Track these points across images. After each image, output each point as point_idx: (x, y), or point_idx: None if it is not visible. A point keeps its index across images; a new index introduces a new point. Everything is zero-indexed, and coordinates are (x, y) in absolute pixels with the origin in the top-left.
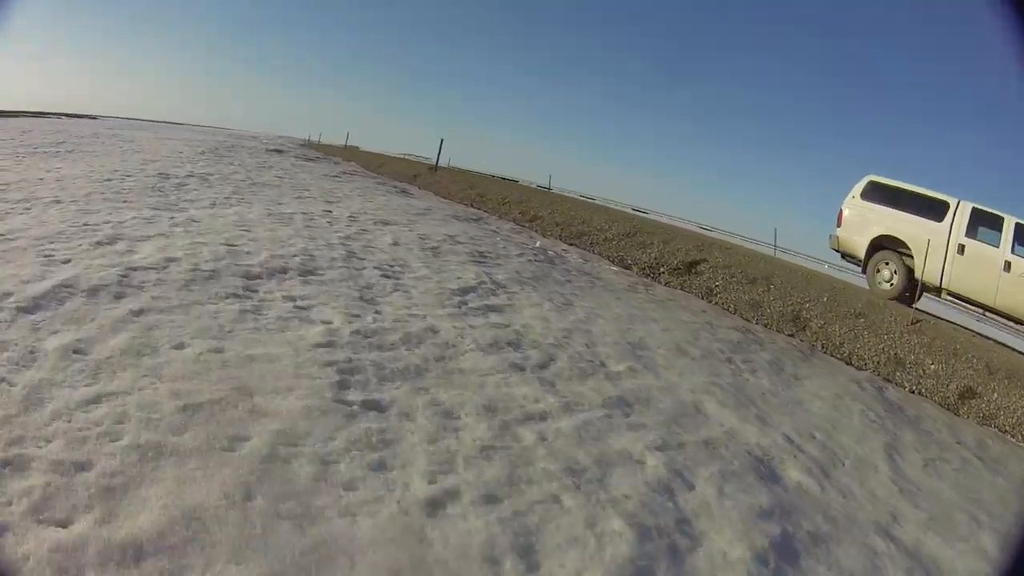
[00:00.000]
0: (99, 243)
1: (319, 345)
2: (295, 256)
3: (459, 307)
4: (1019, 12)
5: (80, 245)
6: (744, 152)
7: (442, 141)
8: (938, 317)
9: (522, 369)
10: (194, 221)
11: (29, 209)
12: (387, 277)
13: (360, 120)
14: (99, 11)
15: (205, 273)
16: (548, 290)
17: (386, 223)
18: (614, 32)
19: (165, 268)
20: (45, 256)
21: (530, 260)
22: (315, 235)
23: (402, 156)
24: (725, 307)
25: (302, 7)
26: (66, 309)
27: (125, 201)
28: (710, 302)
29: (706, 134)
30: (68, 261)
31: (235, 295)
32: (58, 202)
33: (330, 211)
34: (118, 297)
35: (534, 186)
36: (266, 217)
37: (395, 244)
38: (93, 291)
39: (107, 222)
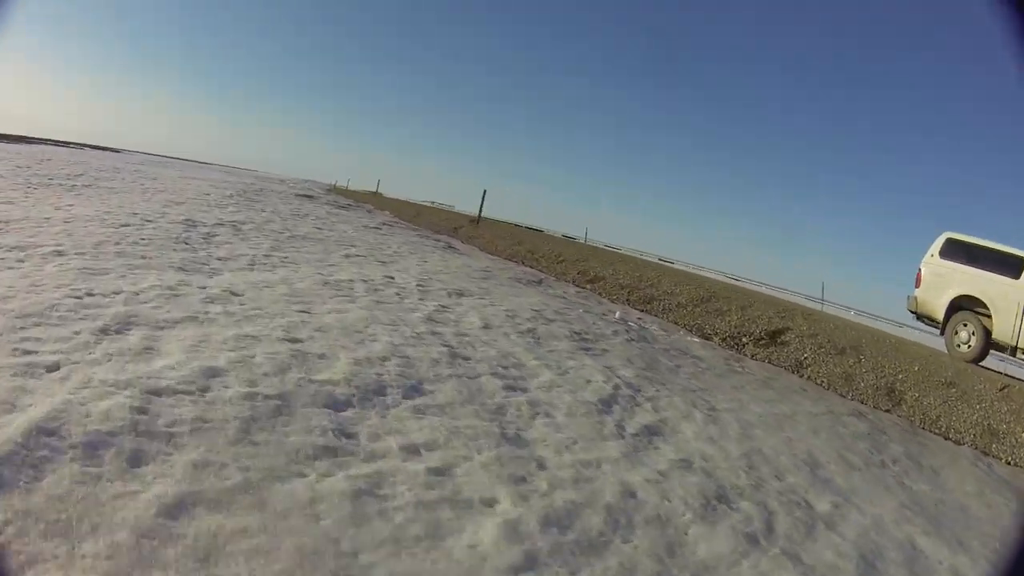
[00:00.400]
0: (105, 331)
1: (513, 571)
2: (385, 360)
3: (620, 435)
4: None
5: (78, 334)
6: (775, 200)
7: (485, 192)
8: None
9: (756, 542)
10: (234, 294)
11: (21, 262)
12: (512, 389)
13: (377, 165)
14: (119, 50)
15: (269, 403)
16: (675, 385)
17: (460, 293)
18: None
19: (205, 393)
20: (23, 353)
21: (627, 340)
22: (393, 318)
23: (429, 204)
24: (818, 382)
25: (320, 54)
26: (40, 500)
27: (144, 257)
28: (802, 376)
29: (731, 175)
30: (56, 368)
31: (328, 450)
32: (60, 254)
33: (391, 277)
34: (132, 465)
35: (558, 235)
36: (321, 286)
37: (486, 327)
38: (90, 450)
39: (118, 292)
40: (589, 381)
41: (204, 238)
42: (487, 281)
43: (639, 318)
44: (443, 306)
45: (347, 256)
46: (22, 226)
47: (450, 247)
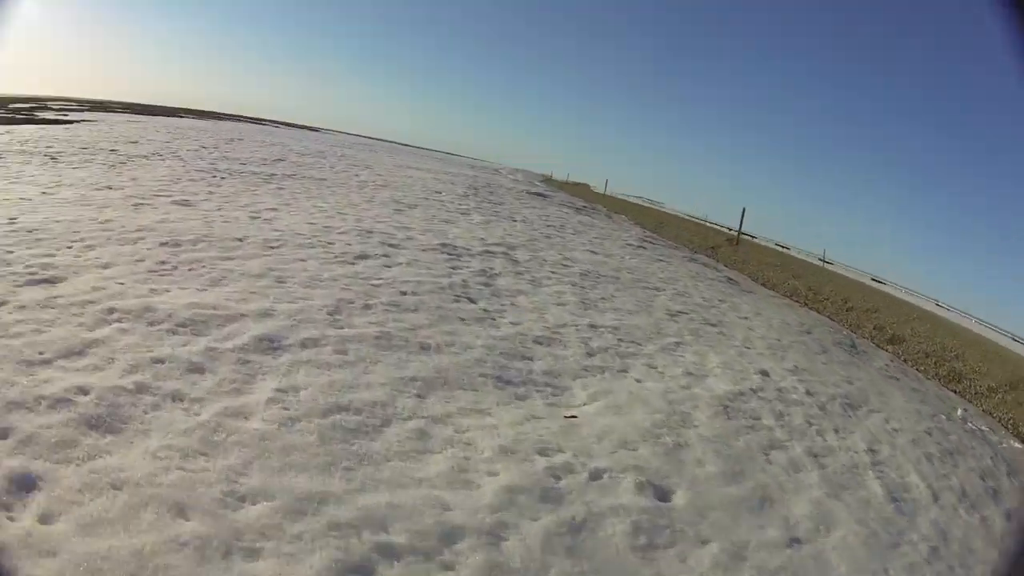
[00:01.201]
0: None
1: None
2: None
3: None
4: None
5: None
6: None
7: (744, 211)
8: None
9: None
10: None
11: (187, 403)
12: None
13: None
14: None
15: None
16: None
17: (849, 404)
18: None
19: None
20: None
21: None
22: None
23: (638, 201)
24: None
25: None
26: None
27: (424, 348)
28: None
29: None
30: None
31: None
32: (271, 346)
33: (766, 373)
34: None
35: (815, 260)
36: (717, 415)
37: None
38: None
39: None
40: None
41: (483, 282)
42: (824, 354)
43: (964, 409)
44: (873, 450)
45: (672, 315)
46: (199, 255)
47: (732, 281)
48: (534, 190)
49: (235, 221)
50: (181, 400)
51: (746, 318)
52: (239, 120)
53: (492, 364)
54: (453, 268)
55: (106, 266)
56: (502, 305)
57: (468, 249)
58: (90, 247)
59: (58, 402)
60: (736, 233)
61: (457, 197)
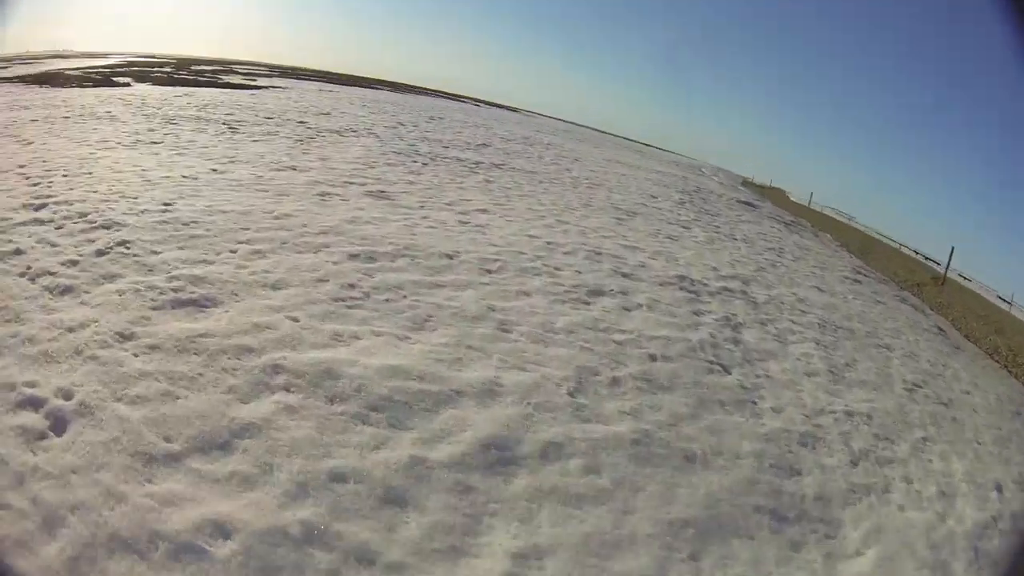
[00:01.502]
0: None
1: None
2: None
3: None
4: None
5: None
6: None
7: (952, 250)
8: None
9: None
10: None
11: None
12: None
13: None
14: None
15: None
16: None
17: None
18: None
19: None
20: None
21: None
22: None
23: (832, 214)
24: None
25: None
26: None
27: (673, 439)
28: None
29: None
30: None
31: None
32: (502, 458)
33: (1000, 485)
34: None
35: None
36: None
37: None
38: None
39: None
40: None
41: (731, 337)
42: None
43: None
44: None
45: (909, 391)
46: (399, 277)
47: (941, 332)
48: (742, 198)
49: (441, 227)
50: (367, 565)
51: (968, 392)
52: (438, 96)
53: (765, 487)
54: (696, 314)
55: (276, 286)
56: (756, 377)
57: (705, 284)
58: (259, 254)
59: (183, 552)
60: (943, 273)
61: (674, 205)
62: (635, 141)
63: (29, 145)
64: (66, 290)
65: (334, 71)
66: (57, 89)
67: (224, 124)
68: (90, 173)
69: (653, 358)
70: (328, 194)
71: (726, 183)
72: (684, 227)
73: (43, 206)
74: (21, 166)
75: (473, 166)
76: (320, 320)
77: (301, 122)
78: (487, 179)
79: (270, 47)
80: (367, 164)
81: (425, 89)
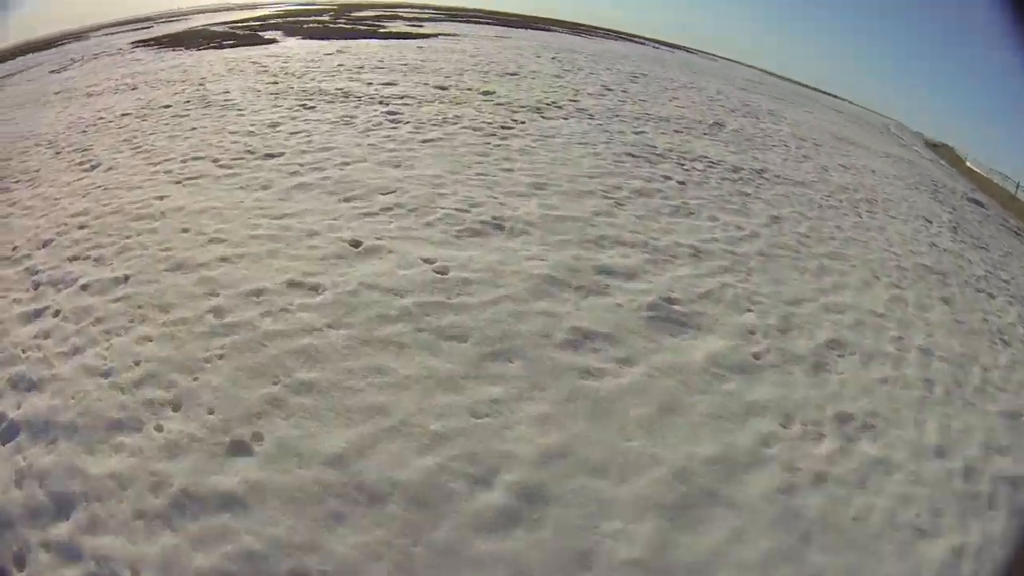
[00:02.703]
0: None
1: None
2: None
3: None
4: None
5: None
6: None
7: None
8: None
9: None
10: None
11: None
12: None
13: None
14: None
15: None
16: None
17: None
18: None
19: None
20: None
21: None
22: None
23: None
24: None
25: None
26: None
27: None
28: None
29: None
30: None
31: None
32: None
33: None
34: None
35: None
36: None
37: None
38: None
39: None
40: None
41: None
42: None
43: None
44: None
45: None
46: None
47: None
48: (965, 189)
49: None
50: None
51: None
52: (608, 36)
53: None
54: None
55: None
56: None
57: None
58: None
59: None
60: None
61: (952, 236)
62: (797, 83)
63: (86, 175)
64: None
65: (501, 11)
66: (189, 52)
67: (381, 103)
68: (128, 266)
69: None
70: (558, 282)
71: (924, 154)
72: (989, 295)
73: None
74: (31, 240)
75: (734, 178)
76: None
77: (486, 92)
78: (772, 215)
79: None
80: (605, 192)
81: (599, 28)
